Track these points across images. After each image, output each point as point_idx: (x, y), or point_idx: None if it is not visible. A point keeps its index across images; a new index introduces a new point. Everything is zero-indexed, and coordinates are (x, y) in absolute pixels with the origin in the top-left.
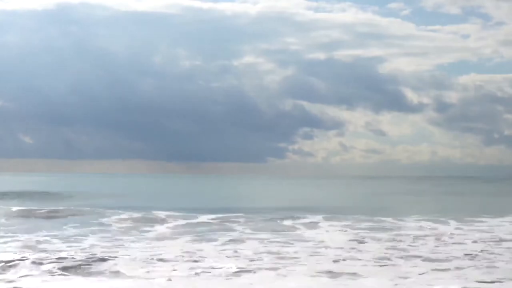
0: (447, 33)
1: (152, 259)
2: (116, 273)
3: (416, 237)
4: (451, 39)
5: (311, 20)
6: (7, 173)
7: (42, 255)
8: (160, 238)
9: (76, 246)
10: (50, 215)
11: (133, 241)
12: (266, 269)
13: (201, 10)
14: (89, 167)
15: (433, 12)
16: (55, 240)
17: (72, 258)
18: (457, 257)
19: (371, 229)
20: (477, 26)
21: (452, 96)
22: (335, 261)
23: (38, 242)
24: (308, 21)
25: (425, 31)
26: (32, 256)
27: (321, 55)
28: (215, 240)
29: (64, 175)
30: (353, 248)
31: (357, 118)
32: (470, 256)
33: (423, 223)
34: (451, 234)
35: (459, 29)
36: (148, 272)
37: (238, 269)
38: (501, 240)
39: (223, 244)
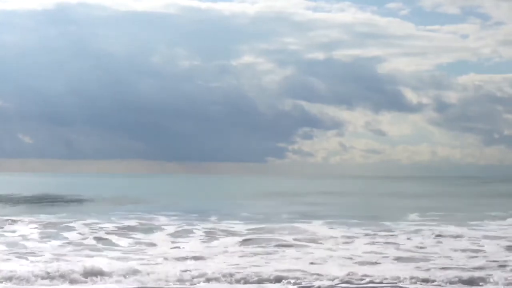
0: (446, 33)
1: None
2: None
3: (410, 238)
4: (450, 39)
5: (310, 20)
6: (7, 173)
7: None
8: None
9: None
10: None
11: None
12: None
13: (199, 10)
14: (89, 167)
15: (432, 12)
16: None
17: None
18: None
19: (365, 230)
20: (476, 26)
21: (451, 96)
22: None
23: None
24: (307, 21)
25: (424, 31)
26: None
27: (320, 55)
28: None
29: (65, 175)
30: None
31: (356, 118)
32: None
33: (420, 224)
34: (445, 235)
35: (458, 29)
36: None
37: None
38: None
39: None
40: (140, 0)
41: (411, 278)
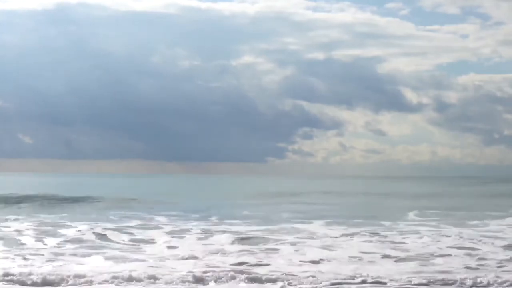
0: (446, 33)
1: None
2: None
3: (409, 238)
4: (450, 39)
5: (310, 20)
6: (7, 173)
7: None
8: None
9: None
10: None
11: None
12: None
13: (199, 10)
14: (89, 167)
15: (431, 12)
16: None
17: None
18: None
19: (364, 230)
20: (476, 26)
21: (451, 96)
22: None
23: None
24: (307, 21)
25: (424, 31)
26: None
27: (320, 55)
28: None
29: (65, 175)
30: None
31: (356, 118)
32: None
33: (420, 224)
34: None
35: (458, 29)
36: None
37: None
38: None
39: None
40: (140, 0)
41: (410, 278)
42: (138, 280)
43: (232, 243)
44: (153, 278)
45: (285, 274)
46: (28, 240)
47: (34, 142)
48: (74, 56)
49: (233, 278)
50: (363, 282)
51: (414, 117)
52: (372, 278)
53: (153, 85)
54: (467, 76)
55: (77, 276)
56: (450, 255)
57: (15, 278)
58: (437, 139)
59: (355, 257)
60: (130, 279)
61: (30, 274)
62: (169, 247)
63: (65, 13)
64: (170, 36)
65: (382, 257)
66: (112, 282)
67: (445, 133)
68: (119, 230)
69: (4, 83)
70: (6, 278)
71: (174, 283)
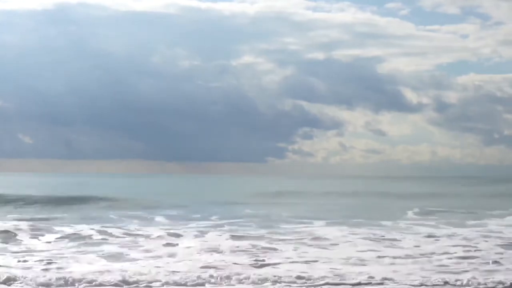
0: (446, 33)
1: None
2: None
3: (408, 238)
4: (450, 39)
5: (310, 20)
6: (7, 173)
7: None
8: None
9: None
10: None
11: None
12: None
13: (199, 10)
14: (89, 167)
15: (431, 12)
16: None
17: None
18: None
19: (364, 229)
20: (476, 26)
21: (451, 96)
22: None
23: None
24: (307, 21)
25: (424, 31)
26: None
27: (320, 55)
28: None
29: (65, 175)
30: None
31: (356, 118)
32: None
33: (419, 224)
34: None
35: (458, 29)
36: None
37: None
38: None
39: None
40: (140, 0)
41: (409, 277)
42: (138, 280)
43: (232, 242)
44: (153, 278)
45: (283, 274)
46: (28, 240)
47: (34, 142)
48: (74, 56)
49: (232, 277)
50: (362, 282)
51: (414, 117)
52: (372, 278)
53: (153, 85)
54: (467, 76)
55: (77, 276)
56: (449, 254)
57: (14, 278)
58: (437, 139)
59: (354, 257)
60: (129, 279)
61: (29, 274)
62: (169, 247)
63: (65, 13)
64: (170, 36)
65: (381, 257)
66: (111, 282)
67: (445, 133)
68: (119, 229)
69: (4, 83)
70: (5, 278)
71: (174, 283)
